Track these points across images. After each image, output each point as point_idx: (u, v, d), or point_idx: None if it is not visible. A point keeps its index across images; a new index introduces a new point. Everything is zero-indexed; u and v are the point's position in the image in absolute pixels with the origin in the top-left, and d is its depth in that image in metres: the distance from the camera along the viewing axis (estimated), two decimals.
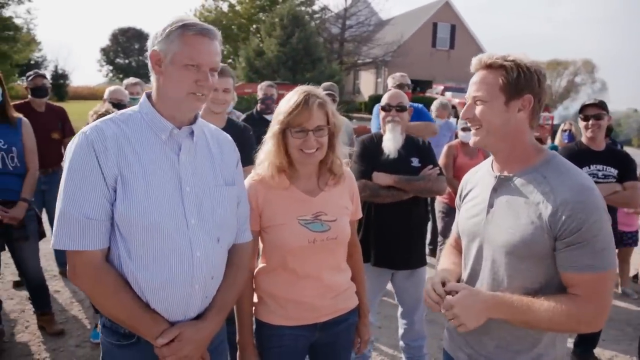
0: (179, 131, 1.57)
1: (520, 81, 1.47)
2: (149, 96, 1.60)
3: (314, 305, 1.91)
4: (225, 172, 1.70)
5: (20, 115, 3.55)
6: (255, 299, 1.98)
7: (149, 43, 1.55)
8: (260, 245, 1.97)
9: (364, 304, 2.12)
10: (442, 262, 1.88)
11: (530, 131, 1.56)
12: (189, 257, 1.54)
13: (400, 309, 3.37)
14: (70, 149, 1.48)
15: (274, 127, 1.84)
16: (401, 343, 3.43)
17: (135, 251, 1.48)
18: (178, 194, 1.54)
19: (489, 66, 1.52)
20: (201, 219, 1.58)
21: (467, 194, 1.78)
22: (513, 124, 1.51)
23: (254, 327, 1.97)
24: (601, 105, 3.34)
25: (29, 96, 4.53)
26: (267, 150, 1.88)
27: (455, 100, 16.37)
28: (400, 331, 3.39)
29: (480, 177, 1.73)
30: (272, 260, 1.91)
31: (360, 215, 2.13)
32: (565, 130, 5.28)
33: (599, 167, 3.30)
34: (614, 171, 3.32)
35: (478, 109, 1.54)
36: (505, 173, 1.58)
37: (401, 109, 3.04)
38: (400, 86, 4.53)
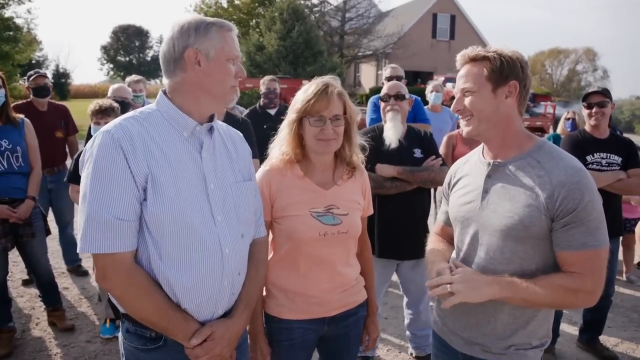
0: (201, 128, 1.56)
1: (504, 68, 1.55)
2: (165, 93, 1.57)
3: (323, 299, 1.91)
4: (242, 167, 1.70)
5: (22, 116, 3.58)
6: (263, 292, 1.98)
7: (170, 43, 1.49)
8: (270, 236, 1.97)
9: (372, 302, 2.11)
10: (433, 248, 1.92)
11: (519, 118, 1.63)
12: (219, 254, 1.53)
13: (405, 299, 3.41)
14: (92, 148, 1.43)
15: (290, 116, 1.85)
16: (407, 333, 3.47)
17: (166, 251, 1.46)
18: (204, 191, 1.53)
19: (473, 59, 1.61)
20: (226, 216, 1.57)
21: (456, 182, 1.83)
22: (502, 110, 1.58)
23: (263, 319, 1.97)
24: (604, 93, 3.33)
25: (31, 96, 4.52)
26: (281, 139, 1.89)
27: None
28: (406, 321, 3.43)
29: (471, 166, 1.78)
30: (281, 252, 1.92)
31: (371, 211, 2.12)
32: (568, 119, 5.27)
33: (603, 155, 3.30)
34: (618, 159, 3.31)
35: (467, 100, 1.61)
36: (499, 160, 1.64)
37: (400, 98, 3.06)
38: (390, 79, 4.50)
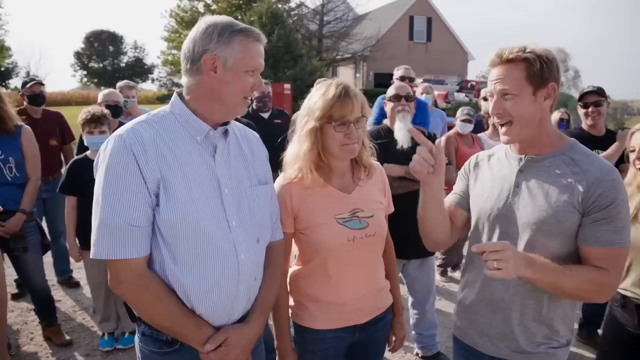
0: (215, 132, 1.54)
1: (544, 71, 1.53)
2: (180, 96, 1.54)
3: (356, 306, 1.87)
4: (258, 170, 1.67)
5: (21, 123, 3.45)
6: (292, 302, 1.93)
7: (191, 42, 1.47)
8: (295, 247, 1.92)
9: (398, 301, 2.08)
10: None
11: (550, 117, 1.66)
12: (234, 259, 1.51)
13: (411, 299, 3.41)
14: (105, 153, 1.41)
15: (309, 124, 1.74)
16: (413, 333, 3.47)
17: (180, 256, 1.44)
18: (218, 196, 1.50)
19: (511, 60, 1.56)
20: (241, 221, 1.55)
21: (478, 173, 1.82)
22: (539, 112, 1.58)
23: (293, 330, 1.92)
24: (600, 92, 3.41)
25: (25, 104, 4.41)
26: (300, 151, 1.79)
27: (435, 93, 16.52)
28: (412, 321, 3.44)
29: (497, 159, 1.78)
30: (311, 263, 1.86)
31: (392, 209, 2.08)
32: (562, 120, 5.31)
33: (600, 151, 3.37)
34: None
35: (508, 104, 1.57)
36: (533, 155, 1.64)
37: (409, 99, 3.09)
38: (402, 79, 4.61)
